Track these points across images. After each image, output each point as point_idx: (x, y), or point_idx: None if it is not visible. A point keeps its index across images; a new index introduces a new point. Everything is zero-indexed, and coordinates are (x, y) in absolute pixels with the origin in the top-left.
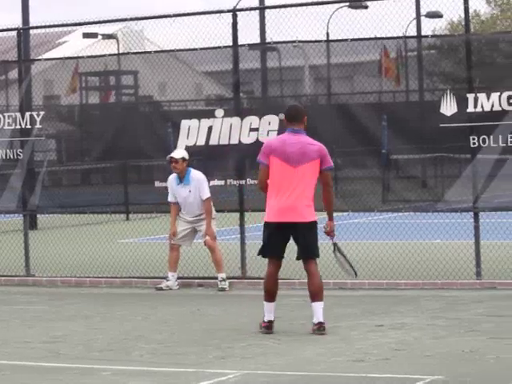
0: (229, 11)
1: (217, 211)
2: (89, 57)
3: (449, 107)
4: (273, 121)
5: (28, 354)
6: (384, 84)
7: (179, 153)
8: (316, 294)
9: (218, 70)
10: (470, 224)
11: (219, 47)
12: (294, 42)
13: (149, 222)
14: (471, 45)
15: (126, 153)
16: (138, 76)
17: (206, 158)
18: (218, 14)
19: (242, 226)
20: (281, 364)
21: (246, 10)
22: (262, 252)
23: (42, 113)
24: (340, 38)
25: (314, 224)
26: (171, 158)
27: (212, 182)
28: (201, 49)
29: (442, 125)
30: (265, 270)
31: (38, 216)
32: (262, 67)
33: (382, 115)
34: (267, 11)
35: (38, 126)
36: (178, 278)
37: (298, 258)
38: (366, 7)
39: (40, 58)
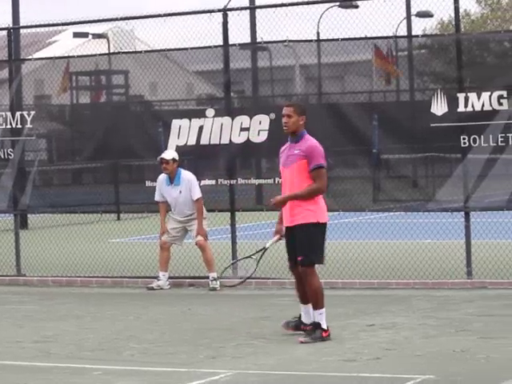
0: (219, 11)
1: (208, 211)
2: (79, 56)
3: (439, 107)
4: (263, 120)
5: (19, 353)
6: (375, 84)
7: (169, 154)
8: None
9: (209, 70)
10: (460, 224)
11: (210, 47)
12: (284, 41)
13: (140, 221)
14: (461, 44)
15: (116, 152)
16: (128, 75)
17: (197, 157)
18: (208, 14)
19: (232, 225)
20: (272, 364)
21: (237, 9)
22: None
23: (32, 112)
24: (330, 37)
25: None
26: (161, 159)
27: (203, 182)
28: (191, 48)
29: (432, 124)
30: (257, 271)
31: (28, 215)
32: (253, 67)
33: (373, 115)
34: (258, 11)
35: (28, 125)
36: (169, 277)
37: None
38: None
39: (30, 57)
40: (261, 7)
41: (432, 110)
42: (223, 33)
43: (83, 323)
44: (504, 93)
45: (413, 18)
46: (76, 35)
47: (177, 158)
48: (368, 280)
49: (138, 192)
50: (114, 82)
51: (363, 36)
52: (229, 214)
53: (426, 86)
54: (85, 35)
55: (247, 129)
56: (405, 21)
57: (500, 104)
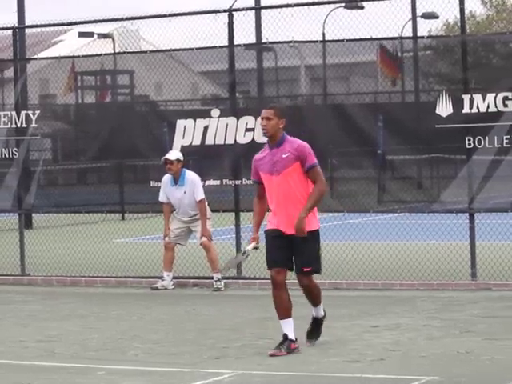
0: (225, 11)
1: (212, 211)
2: (84, 56)
3: (444, 108)
4: None
5: (23, 353)
6: (380, 84)
7: (174, 154)
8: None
9: (214, 70)
10: (465, 225)
11: (215, 47)
12: (290, 42)
13: (144, 221)
14: (467, 46)
15: (121, 152)
16: (133, 75)
17: (202, 157)
18: (214, 14)
19: (237, 225)
20: (275, 364)
21: (242, 9)
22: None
23: (37, 112)
24: (336, 38)
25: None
26: (166, 159)
27: (208, 182)
28: (197, 48)
29: (437, 125)
30: (261, 271)
31: (33, 215)
32: (258, 67)
33: (378, 116)
34: (263, 11)
35: (33, 124)
36: (174, 277)
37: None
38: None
39: (36, 56)
40: (266, 8)
41: (437, 111)
42: (228, 33)
43: (87, 323)
44: (509, 94)
45: (418, 19)
46: (81, 35)
47: (181, 158)
48: (372, 281)
49: (142, 192)
50: (119, 81)
51: (369, 37)
52: (233, 214)
53: (432, 87)
54: (90, 35)
55: (252, 129)
56: (410, 22)
57: (505, 105)
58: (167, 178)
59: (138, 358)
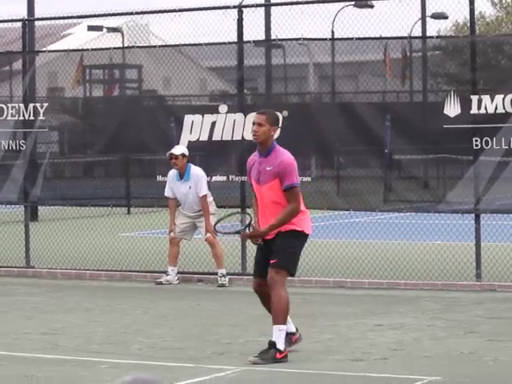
0: (234, 7)
1: (218, 207)
2: (93, 49)
3: (452, 108)
4: None
5: (27, 345)
6: (388, 84)
7: (179, 149)
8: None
9: (223, 66)
10: (471, 226)
11: (224, 43)
12: (299, 39)
13: (150, 215)
14: (476, 46)
15: (128, 146)
16: (142, 70)
17: (209, 153)
18: (223, 10)
19: (243, 221)
20: None
21: (252, 6)
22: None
23: (45, 104)
24: (345, 36)
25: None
26: (171, 154)
27: (214, 178)
28: (206, 44)
29: (445, 126)
30: None
31: (39, 208)
32: (267, 64)
33: (386, 115)
34: (273, 8)
35: (41, 117)
36: (178, 272)
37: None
38: (372, 6)
39: (44, 49)
40: (276, 5)
41: (445, 112)
42: (238, 29)
43: (91, 316)
44: None
45: (428, 19)
46: (90, 28)
47: (186, 153)
48: (377, 280)
49: (148, 186)
50: (127, 76)
51: (378, 36)
52: (239, 210)
53: (440, 88)
54: (99, 29)
55: None
56: (419, 22)
57: None
58: (173, 172)
59: (142, 352)
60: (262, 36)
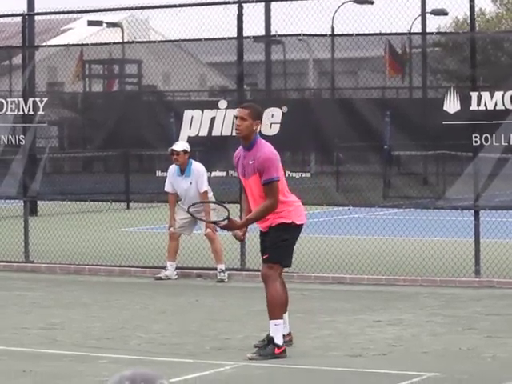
0: (234, 3)
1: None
2: (93, 44)
3: (452, 105)
4: (276, 113)
5: (25, 340)
6: (388, 80)
7: (180, 145)
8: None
9: (223, 62)
10: (470, 222)
11: (224, 38)
12: (298, 35)
13: (149, 211)
14: (476, 43)
15: (127, 142)
16: (142, 65)
17: (208, 148)
18: (223, 5)
19: (242, 217)
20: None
21: (252, 1)
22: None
23: (45, 99)
24: (345, 32)
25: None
26: (172, 150)
27: (214, 173)
28: (205, 39)
29: (444, 122)
30: None
31: (38, 202)
32: (267, 60)
33: (385, 111)
34: (273, 4)
35: (40, 112)
36: (177, 268)
37: None
38: (372, 3)
39: (44, 44)
40: (276, 0)
41: (444, 108)
42: (238, 25)
43: (90, 311)
44: None
45: (427, 15)
46: (90, 23)
47: (188, 149)
48: (376, 276)
49: (148, 182)
50: (127, 71)
51: (377, 32)
52: (239, 205)
53: (439, 84)
54: (99, 24)
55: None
56: (419, 18)
57: None
58: (173, 168)
59: (141, 347)
60: (261, 32)
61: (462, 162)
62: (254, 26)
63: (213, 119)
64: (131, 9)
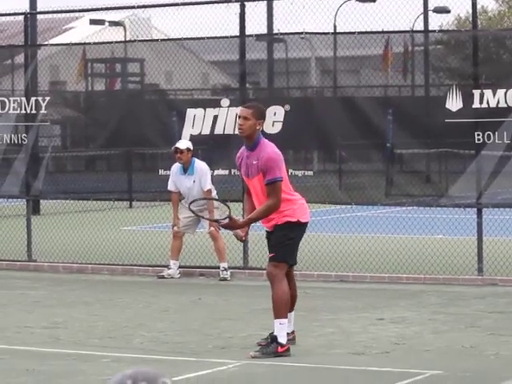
0: (237, 1)
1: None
2: (95, 43)
3: (454, 103)
4: (278, 112)
5: (28, 339)
6: (390, 78)
7: (184, 143)
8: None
9: (225, 60)
10: (472, 220)
11: (226, 37)
12: (301, 33)
13: (152, 209)
14: (478, 41)
15: (130, 140)
16: (144, 64)
17: (211, 147)
18: (225, 4)
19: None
20: None
21: (254, 0)
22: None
23: (47, 98)
24: (347, 30)
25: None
26: (176, 148)
27: (216, 172)
28: (208, 38)
29: (447, 120)
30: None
31: (40, 201)
32: (269, 58)
33: (388, 109)
34: (275, 2)
35: (43, 111)
36: (180, 266)
37: None
38: (374, 1)
39: (46, 43)
40: None
41: (447, 106)
42: (240, 23)
43: (93, 310)
44: None
45: (430, 13)
46: (92, 22)
47: (191, 147)
48: (379, 274)
49: (150, 180)
50: (129, 69)
51: (380, 30)
52: (241, 204)
53: (442, 82)
54: (101, 22)
55: None
56: (422, 16)
57: None
58: (176, 166)
59: (143, 346)
60: (264, 30)
61: (465, 159)
62: (256, 24)
63: (215, 118)
64: (133, 7)
